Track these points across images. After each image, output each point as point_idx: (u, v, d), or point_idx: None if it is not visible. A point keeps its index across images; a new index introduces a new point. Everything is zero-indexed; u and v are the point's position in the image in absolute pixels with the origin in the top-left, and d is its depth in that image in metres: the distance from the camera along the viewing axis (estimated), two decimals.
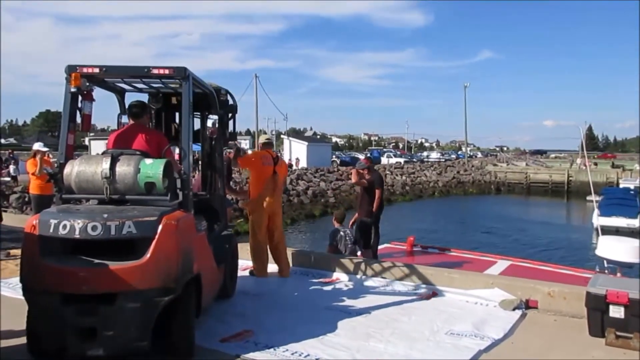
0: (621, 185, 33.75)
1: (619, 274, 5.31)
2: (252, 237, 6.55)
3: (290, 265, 6.71)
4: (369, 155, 40.50)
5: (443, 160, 66.22)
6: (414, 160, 63.10)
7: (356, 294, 5.77)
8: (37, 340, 3.64)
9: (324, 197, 30.73)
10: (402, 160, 58.20)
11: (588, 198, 34.98)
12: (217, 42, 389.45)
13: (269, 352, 4.09)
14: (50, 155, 9.01)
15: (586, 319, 4.63)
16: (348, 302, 5.50)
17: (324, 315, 5.03)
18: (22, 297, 3.68)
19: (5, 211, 11.59)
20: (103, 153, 4.10)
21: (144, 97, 5.33)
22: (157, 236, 3.55)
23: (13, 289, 5.60)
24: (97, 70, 4.11)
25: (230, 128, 5.53)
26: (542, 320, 5.04)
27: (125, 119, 5.01)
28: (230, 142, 5.70)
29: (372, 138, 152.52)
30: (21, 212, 16.75)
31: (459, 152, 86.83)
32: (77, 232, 3.44)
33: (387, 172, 41.05)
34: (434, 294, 5.81)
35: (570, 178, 45.85)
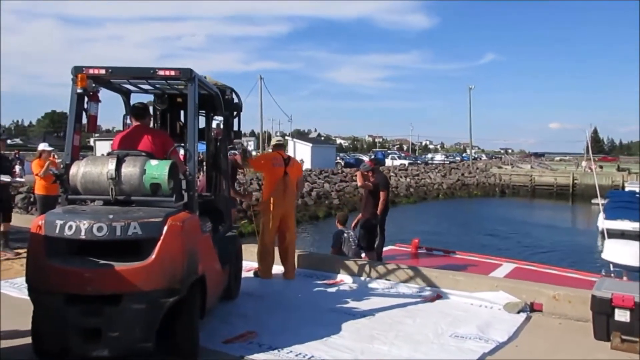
0: (627, 189, 33.55)
1: (625, 278, 5.29)
2: (260, 238, 6.57)
3: (295, 267, 6.71)
4: (373, 157, 40.53)
5: (447, 162, 66.15)
6: (418, 162, 63.08)
7: (360, 296, 5.76)
8: (42, 341, 3.66)
9: (327, 199, 30.70)
10: (406, 162, 58.20)
11: (593, 201, 34.83)
12: (221, 44, 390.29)
13: (272, 353, 4.09)
14: (56, 156, 9.04)
15: (591, 322, 4.61)
16: (352, 303, 5.50)
17: (328, 316, 5.03)
18: (28, 297, 3.70)
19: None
20: (108, 154, 4.12)
21: (147, 98, 5.37)
22: (162, 237, 3.56)
23: (18, 289, 5.63)
24: (103, 71, 4.13)
25: (236, 127, 5.55)
26: (547, 324, 5.02)
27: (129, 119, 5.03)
28: (235, 140, 5.71)
29: (376, 140, 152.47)
30: (26, 213, 16.83)
31: (464, 155, 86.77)
32: (82, 232, 3.45)
33: (392, 174, 41.00)
34: (439, 296, 5.80)
35: (576, 181, 45.68)
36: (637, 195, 25.76)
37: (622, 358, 4.22)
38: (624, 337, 4.34)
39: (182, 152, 5.22)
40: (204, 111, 5.40)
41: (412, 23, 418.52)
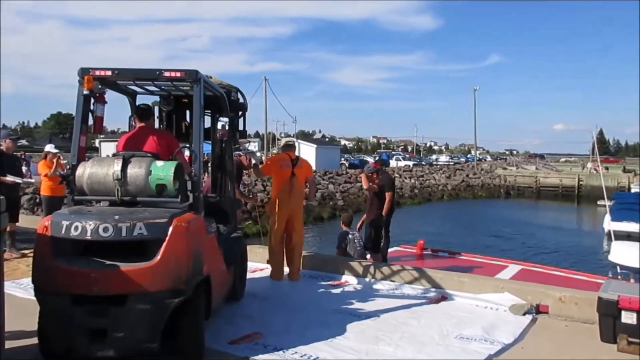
0: (632, 190, 33.38)
1: (632, 280, 5.26)
2: (268, 240, 6.58)
3: (300, 268, 6.70)
4: (377, 158, 40.50)
5: (452, 163, 66.10)
6: (423, 163, 63.01)
7: (365, 297, 5.76)
8: (48, 341, 3.67)
9: (332, 200, 30.70)
10: (410, 163, 58.15)
11: (599, 202, 34.69)
12: (225, 45, 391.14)
13: (277, 354, 4.10)
14: (61, 157, 9.08)
15: (597, 324, 4.58)
16: (357, 305, 5.49)
17: (333, 318, 5.02)
18: (34, 298, 3.71)
19: None
20: (114, 155, 4.13)
21: (153, 99, 5.39)
22: (167, 238, 3.56)
23: (24, 289, 5.65)
24: (109, 73, 4.15)
25: (241, 127, 5.55)
26: (553, 326, 5.00)
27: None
28: (241, 140, 5.71)
29: (380, 141, 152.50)
30: (32, 213, 16.90)
31: (468, 156, 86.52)
32: (88, 233, 3.46)
33: (396, 175, 40.95)
34: (444, 297, 5.79)
35: (581, 182, 45.48)
36: None
37: None
38: (630, 339, 4.32)
39: (187, 153, 5.25)
40: (209, 111, 5.41)
41: (416, 24, 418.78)
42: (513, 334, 4.66)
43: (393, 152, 79.44)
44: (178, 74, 4.21)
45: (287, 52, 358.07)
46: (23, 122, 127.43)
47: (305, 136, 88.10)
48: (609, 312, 4.45)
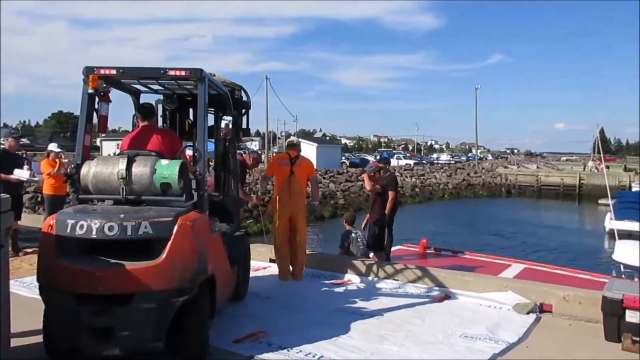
0: (633, 189, 33.37)
1: (636, 279, 5.25)
2: (273, 240, 6.59)
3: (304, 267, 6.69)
4: (378, 157, 40.48)
5: (453, 162, 66.07)
6: (424, 162, 62.98)
7: (368, 296, 5.75)
8: (53, 340, 3.67)
9: (333, 199, 30.70)
10: (411, 162, 58.15)
11: (600, 201, 34.70)
12: (228, 45, 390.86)
13: (282, 353, 4.10)
14: (63, 156, 9.07)
15: (602, 323, 4.58)
16: (360, 304, 5.49)
17: (337, 317, 5.02)
18: (37, 297, 3.71)
19: None
20: (119, 154, 4.13)
21: (155, 98, 5.39)
22: (172, 237, 3.56)
23: (28, 288, 5.65)
24: (114, 71, 4.15)
25: (244, 125, 5.55)
26: (557, 325, 5.00)
27: None
28: (244, 137, 5.71)
29: (381, 140, 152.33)
30: (34, 212, 16.90)
31: (469, 154, 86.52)
32: (94, 232, 3.46)
33: (397, 174, 40.88)
34: (447, 296, 5.78)
35: (582, 181, 45.45)
36: None
37: (633, 359, 4.20)
38: (635, 338, 4.31)
39: (189, 152, 5.25)
40: (212, 109, 5.41)
41: (419, 24, 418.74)
42: (517, 333, 4.65)
43: (394, 151, 79.41)
44: (183, 73, 4.22)
45: (290, 52, 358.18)
46: (24, 121, 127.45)
47: (306, 135, 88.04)
48: (613, 311, 4.44)
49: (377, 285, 6.25)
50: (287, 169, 6.44)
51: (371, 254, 8.29)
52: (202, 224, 3.98)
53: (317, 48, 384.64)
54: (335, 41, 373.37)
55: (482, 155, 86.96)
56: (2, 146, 7.88)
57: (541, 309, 5.29)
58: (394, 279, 6.35)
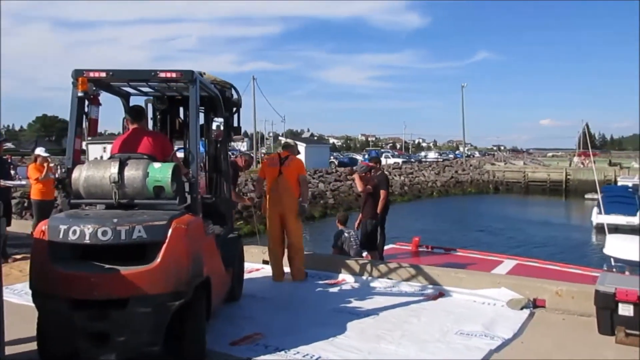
0: (619, 183, 33.83)
1: (627, 272, 5.31)
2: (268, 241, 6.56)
3: (302, 267, 6.63)
4: (367, 155, 40.56)
5: (441, 160, 66.34)
6: (412, 160, 63.17)
7: (363, 296, 5.75)
8: (48, 346, 3.63)
9: (323, 199, 30.71)
10: (400, 160, 58.28)
11: (586, 196, 35.15)
12: (214, 45, 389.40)
13: (279, 354, 4.08)
14: (50, 160, 8.96)
15: (595, 317, 4.62)
16: (355, 303, 5.48)
17: (333, 317, 5.01)
18: (29, 304, 3.67)
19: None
20: (110, 158, 4.08)
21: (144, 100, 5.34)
22: (167, 240, 3.53)
23: (19, 295, 5.57)
24: (103, 74, 4.09)
25: (235, 123, 5.52)
26: (551, 320, 5.04)
27: None
28: (235, 136, 5.68)
29: (369, 139, 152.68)
30: (20, 218, 16.69)
31: (457, 152, 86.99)
32: (87, 237, 3.42)
33: (386, 173, 40.99)
34: (441, 294, 5.80)
35: (569, 177, 45.96)
36: (630, 190, 25.99)
37: (627, 352, 4.24)
38: (628, 331, 4.36)
39: (180, 154, 5.21)
40: (202, 108, 5.36)
41: (405, 23, 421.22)
42: (512, 329, 4.67)
43: (382, 150, 79.59)
44: (174, 75, 4.17)
45: (276, 52, 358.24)
46: (8, 125, 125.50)
47: (294, 135, 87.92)
48: (606, 304, 4.48)
49: (372, 285, 6.26)
50: (276, 169, 6.42)
51: (365, 253, 8.29)
52: (196, 226, 3.95)
53: (304, 47, 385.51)
54: (322, 40, 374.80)
55: (469, 153, 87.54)
56: None
57: (535, 304, 5.33)
58: (388, 278, 6.36)
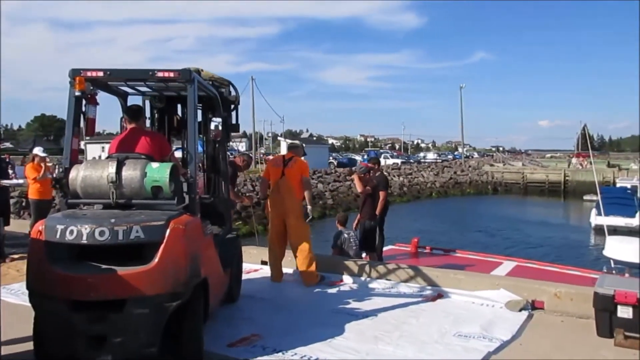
0: (618, 185, 33.85)
1: (627, 274, 5.29)
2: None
3: (295, 267, 6.60)
4: (367, 156, 40.55)
5: (440, 160, 66.40)
6: (411, 161, 63.20)
7: (362, 296, 5.73)
8: (44, 347, 3.59)
9: (322, 199, 30.68)
10: (399, 161, 58.32)
11: (585, 197, 35.17)
12: (211, 46, 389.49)
13: (277, 356, 4.06)
14: (48, 160, 8.94)
15: (593, 319, 4.61)
16: (354, 304, 5.47)
17: (331, 318, 5.00)
18: (26, 304, 3.64)
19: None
20: (108, 157, 4.06)
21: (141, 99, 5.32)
22: (165, 241, 3.51)
23: (16, 295, 5.55)
24: (101, 73, 4.07)
25: (233, 120, 5.50)
26: (550, 321, 5.02)
27: None
28: (234, 133, 5.65)
29: (368, 139, 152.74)
30: (18, 217, 16.66)
31: (456, 153, 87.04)
32: (84, 237, 3.40)
33: (385, 173, 40.99)
34: (440, 295, 5.78)
35: (567, 178, 46.00)
36: (629, 192, 26.01)
37: (626, 354, 4.22)
38: (627, 333, 4.34)
39: (179, 154, 5.19)
40: (200, 105, 5.34)
41: (402, 23, 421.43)
42: (511, 331, 4.66)
43: (381, 150, 79.63)
44: (171, 75, 4.15)
45: (274, 52, 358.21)
46: (6, 125, 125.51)
47: (293, 136, 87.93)
48: (605, 307, 4.46)
49: (370, 286, 6.24)
50: (279, 170, 6.39)
51: (364, 254, 8.28)
52: (194, 227, 3.93)
53: (301, 48, 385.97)
54: (319, 41, 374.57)
55: (468, 154, 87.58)
56: None
57: (533, 306, 5.31)
58: (387, 279, 6.34)
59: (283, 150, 45.75)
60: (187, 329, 3.68)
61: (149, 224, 3.51)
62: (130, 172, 3.80)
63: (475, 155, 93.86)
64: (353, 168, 9.66)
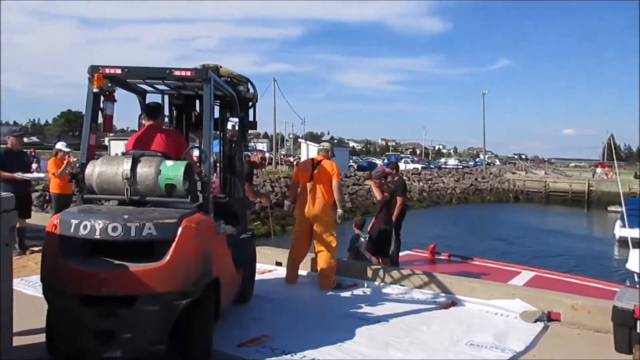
0: None
1: None
2: None
3: (309, 270, 6.59)
4: (386, 160, 40.36)
5: (461, 167, 65.70)
6: (432, 166, 62.73)
7: (374, 301, 5.69)
8: (56, 340, 3.63)
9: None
10: (419, 166, 57.92)
11: (610, 208, 34.37)
12: (234, 46, 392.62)
13: (285, 357, 4.05)
14: (71, 156, 9.07)
15: (612, 334, 4.48)
16: (366, 309, 5.43)
17: (342, 322, 4.97)
18: (42, 296, 3.68)
19: None
20: (124, 154, 4.09)
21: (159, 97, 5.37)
22: (176, 239, 3.51)
23: (33, 286, 5.64)
24: (119, 71, 4.10)
25: (251, 117, 5.51)
26: (565, 334, 4.91)
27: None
28: (251, 131, 5.65)
29: (389, 143, 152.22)
30: (42, 210, 16.95)
31: (477, 159, 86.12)
32: (97, 232, 3.43)
33: (405, 178, 40.72)
34: (454, 303, 5.71)
35: (591, 188, 45.07)
36: None
37: None
38: None
39: (196, 152, 5.21)
40: (218, 102, 5.36)
41: (426, 27, 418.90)
42: (524, 342, 4.57)
43: (401, 155, 79.21)
44: (188, 73, 4.18)
45: (297, 54, 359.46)
46: (33, 120, 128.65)
47: (314, 138, 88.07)
48: (624, 321, 4.33)
49: (384, 291, 6.19)
50: (307, 173, 6.32)
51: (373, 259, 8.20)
52: (207, 226, 3.93)
53: (323, 50, 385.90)
54: (343, 43, 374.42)
55: (489, 161, 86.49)
56: (4, 145, 7.88)
57: (549, 317, 5.20)
58: (401, 285, 6.28)
59: (304, 152, 45.90)
60: (197, 328, 3.68)
61: (161, 221, 3.53)
62: (145, 170, 3.82)
63: (497, 162, 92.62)
64: (372, 172, 9.59)
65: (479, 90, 66.39)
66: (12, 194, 3.33)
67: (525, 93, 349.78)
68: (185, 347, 3.64)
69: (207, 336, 3.79)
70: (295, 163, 44.35)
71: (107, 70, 4.07)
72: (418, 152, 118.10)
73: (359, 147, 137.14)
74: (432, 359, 4.15)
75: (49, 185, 9.18)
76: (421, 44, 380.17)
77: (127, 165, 3.79)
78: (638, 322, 4.26)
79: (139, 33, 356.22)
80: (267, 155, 40.55)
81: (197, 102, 5.38)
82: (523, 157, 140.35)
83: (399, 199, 8.52)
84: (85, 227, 3.45)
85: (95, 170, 3.88)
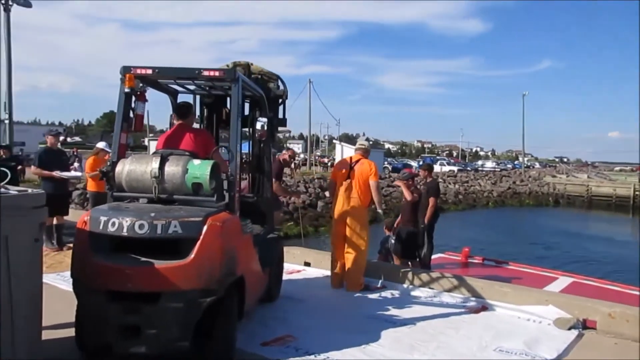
0: None
1: None
2: None
3: (357, 281, 6.33)
4: (422, 162, 39.93)
5: (498, 169, 64.36)
6: (468, 168, 61.64)
7: (402, 304, 5.61)
8: (84, 335, 3.73)
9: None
10: (455, 168, 57.02)
11: None
12: (273, 47, 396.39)
13: (309, 358, 4.04)
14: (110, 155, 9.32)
15: None
16: (393, 311, 5.36)
17: (368, 323, 4.92)
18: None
19: None
20: (153, 153, 4.17)
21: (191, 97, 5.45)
22: (201, 237, 3.55)
23: (68, 282, 5.77)
24: (150, 71, 4.19)
25: (280, 114, 5.52)
26: (601, 343, 4.73)
27: None
28: (280, 128, 5.66)
29: (425, 145, 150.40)
30: (82, 208, 17.49)
31: (516, 162, 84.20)
32: (124, 229, 3.50)
33: (440, 180, 40.20)
34: (484, 308, 5.57)
35: (637, 192, 43.34)
36: None
37: None
38: None
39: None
40: (248, 100, 5.39)
41: (465, 28, 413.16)
42: (557, 350, 4.42)
43: (437, 157, 78.14)
44: (217, 74, 4.23)
45: (334, 56, 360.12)
46: (77, 120, 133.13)
47: (349, 139, 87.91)
48: None
49: (412, 293, 6.10)
50: (345, 173, 6.30)
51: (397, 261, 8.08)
52: (232, 224, 3.96)
53: (360, 52, 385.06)
54: (380, 45, 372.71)
55: (529, 163, 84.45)
56: (44, 144, 8.16)
57: (584, 325, 5.02)
58: (430, 288, 6.18)
59: (338, 153, 45.86)
60: (220, 326, 3.71)
61: (187, 219, 3.57)
62: (172, 168, 3.88)
63: (537, 165, 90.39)
64: (399, 175, 9.48)
65: (519, 92, 64.58)
66: (44, 191, 3.43)
67: (568, 95, 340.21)
68: (208, 345, 3.67)
69: (230, 334, 3.81)
70: (329, 164, 44.37)
71: (138, 71, 4.16)
72: (455, 154, 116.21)
73: (394, 149, 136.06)
74: None
75: (87, 184, 9.45)
76: (461, 45, 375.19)
77: (155, 163, 3.86)
78: None
79: (180, 36, 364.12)
80: (297, 151, 40.67)
81: (228, 100, 5.44)
82: (565, 160, 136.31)
83: (431, 201, 8.41)
84: (113, 224, 3.53)
85: (124, 168, 3.97)
